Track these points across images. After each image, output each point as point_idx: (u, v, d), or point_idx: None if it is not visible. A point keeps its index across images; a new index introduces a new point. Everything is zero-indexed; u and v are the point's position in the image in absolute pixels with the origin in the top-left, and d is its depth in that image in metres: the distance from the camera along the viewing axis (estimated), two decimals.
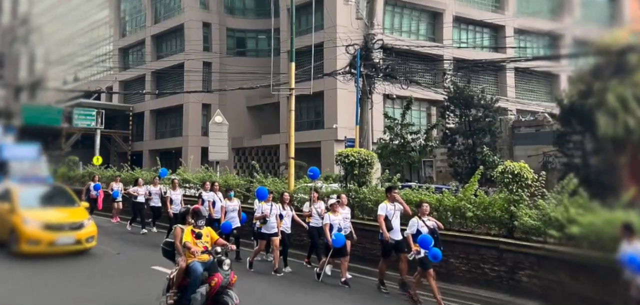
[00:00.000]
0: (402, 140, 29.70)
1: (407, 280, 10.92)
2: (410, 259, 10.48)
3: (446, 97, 30.53)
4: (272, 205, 12.71)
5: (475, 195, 12.26)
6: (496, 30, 44.42)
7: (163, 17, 51.22)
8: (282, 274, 12.36)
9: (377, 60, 24.82)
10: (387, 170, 17.31)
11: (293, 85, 18.03)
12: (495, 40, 44.89)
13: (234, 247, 9.30)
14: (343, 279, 11.51)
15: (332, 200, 12.37)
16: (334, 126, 36.64)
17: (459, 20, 43.42)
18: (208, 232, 8.31)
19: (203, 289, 7.65)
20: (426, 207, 10.71)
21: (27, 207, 13.29)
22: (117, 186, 21.10)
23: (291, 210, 13.43)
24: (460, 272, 11.68)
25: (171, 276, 8.15)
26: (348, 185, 14.95)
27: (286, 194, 13.65)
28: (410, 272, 10.96)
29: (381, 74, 24.96)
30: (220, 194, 15.35)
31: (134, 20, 55.23)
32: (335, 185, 16.95)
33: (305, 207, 14.12)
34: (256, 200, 13.26)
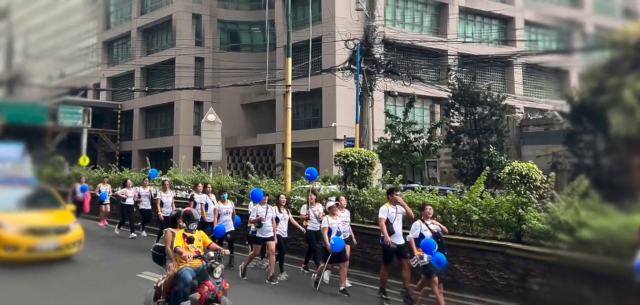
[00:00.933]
0: (404, 140, 29.71)
1: (411, 292, 10.88)
2: (414, 265, 10.46)
3: (451, 94, 30.54)
4: (267, 207, 12.68)
5: (481, 198, 12.25)
6: (505, 22, 44.41)
7: (150, 8, 51.03)
8: (276, 282, 12.30)
9: (378, 56, 24.82)
10: (388, 171, 17.27)
11: (290, 82, 18.00)
12: (504, 33, 44.86)
13: (227, 252, 9.29)
14: (342, 287, 11.44)
15: (331, 203, 12.34)
16: (333, 125, 36.64)
17: (466, 12, 43.40)
18: (200, 236, 8.29)
19: (189, 302, 7.60)
20: (430, 209, 10.69)
21: (5, 211, 13.08)
22: (105, 188, 21.07)
23: (288, 213, 13.41)
24: (467, 280, 11.66)
25: (159, 284, 8.11)
26: (347, 187, 14.94)
27: (282, 196, 13.64)
28: (413, 280, 10.94)
29: (382, 70, 24.96)
30: (213, 196, 15.33)
31: (118, 11, 55.00)
32: (334, 187, 16.94)
33: (303, 210, 14.10)
34: (251, 203, 13.24)
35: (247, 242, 14.48)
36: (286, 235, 13.23)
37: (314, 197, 13.79)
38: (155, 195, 18.13)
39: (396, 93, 30.74)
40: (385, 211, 11.12)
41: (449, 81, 31.18)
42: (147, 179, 19.45)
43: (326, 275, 12.05)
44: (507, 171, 11.59)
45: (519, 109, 37.68)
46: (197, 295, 7.61)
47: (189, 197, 18.03)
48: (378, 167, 16.77)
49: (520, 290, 10.78)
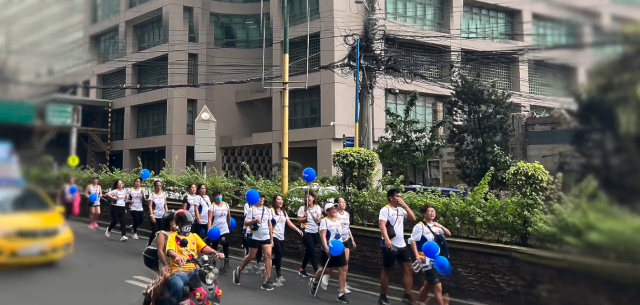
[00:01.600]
0: (405, 139, 29.67)
1: (413, 299, 10.85)
2: (416, 269, 10.44)
3: (454, 92, 30.52)
4: (264, 210, 12.67)
5: (486, 199, 12.24)
6: (512, 16, 44.31)
7: (139, 0, 50.85)
8: (272, 288, 12.26)
9: (379, 52, 24.81)
10: (389, 172, 17.26)
11: (287, 79, 17.99)
12: (511, 27, 44.72)
13: (222, 255, 9.27)
14: (341, 294, 11.38)
15: (330, 205, 12.33)
16: (332, 124, 36.63)
17: (471, 5, 43.29)
18: (194, 240, 8.28)
19: None
20: (432, 212, 10.69)
21: None
22: (95, 189, 21.02)
23: (285, 215, 13.40)
24: (472, 286, 11.65)
25: (149, 291, 8.07)
26: (347, 188, 14.93)
27: (279, 197, 13.62)
28: (416, 286, 10.92)
29: (383, 67, 24.95)
30: (207, 198, 15.33)
31: (106, 4, 54.68)
32: (333, 188, 16.93)
33: (300, 212, 14.09)
34: (247, 205, 13.22)
35: (242, 246, 14.47)
36: (283, 239, 13.22)
37: (312, 198, 13.78)
38: (148, 196, 18.13)
39: (397, 91, 30.71)
40: (386, 213, 11.11)
41: (453, 78, 31.13)
42: (139, 180, 19.43)
43: (325, 280, 12.02)
44: (513, 172, 11.58)
45: (524, 107, 37.66)
46: (194, 297, 7.59)
47: (182, 198, 18.02)
48: (378, 167, 16.78)
49: (528, 298, 10.72)
